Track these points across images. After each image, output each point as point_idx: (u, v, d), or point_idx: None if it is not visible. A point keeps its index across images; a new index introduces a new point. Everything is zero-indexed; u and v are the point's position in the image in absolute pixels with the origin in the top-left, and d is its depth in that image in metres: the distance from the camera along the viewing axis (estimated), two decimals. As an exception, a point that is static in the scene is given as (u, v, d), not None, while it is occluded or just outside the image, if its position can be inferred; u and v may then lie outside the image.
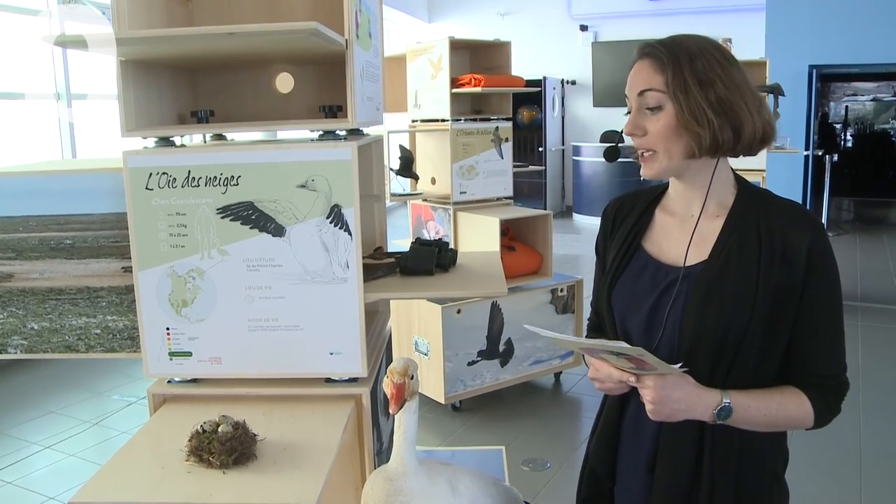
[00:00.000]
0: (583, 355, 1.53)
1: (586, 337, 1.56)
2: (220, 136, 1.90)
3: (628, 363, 1.20)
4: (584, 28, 11.33)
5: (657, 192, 1.44)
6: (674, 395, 1.19)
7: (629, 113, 1.31)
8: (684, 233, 1.34)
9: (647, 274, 1.35)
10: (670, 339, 1.28)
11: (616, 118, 10.75)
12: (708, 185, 1.31)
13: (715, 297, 1.24)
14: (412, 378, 1.30)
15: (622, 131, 1.42)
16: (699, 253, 1.30)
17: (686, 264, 1.30)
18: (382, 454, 1.79)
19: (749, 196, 1.32)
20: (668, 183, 1.41)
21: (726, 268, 1.25)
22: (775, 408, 1.25)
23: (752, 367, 1.25)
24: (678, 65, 1.23)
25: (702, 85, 1.22)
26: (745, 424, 1.25)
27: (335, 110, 1.67)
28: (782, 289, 1.23)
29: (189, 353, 1.61)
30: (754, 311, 1.22)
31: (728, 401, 1.21)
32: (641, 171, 1.32)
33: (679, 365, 1.18)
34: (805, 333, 1.25)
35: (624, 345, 1.14)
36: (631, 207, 1.45)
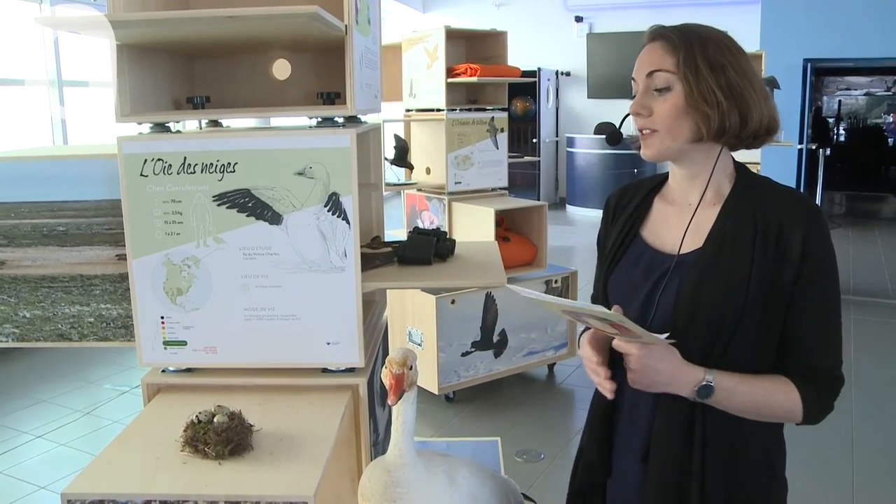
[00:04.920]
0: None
1: (583, 332, 1.54)
2: (216, 123, 1.88)
3: (613, 329, 1.19)
4: (579, 19, 11.29)
5: (657, 181, 1.43)
6: (656, 366, 1.19)
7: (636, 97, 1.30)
8: (681, 221, 1.33)
9: (644, 262, 1.34)
10: (663, 325, 1.26)
11: (610, 110, 10.72)
12: (709, 173, 1.30)
13: (707, 284, 1.23)
14: (411, 369, 1.29)
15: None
16: (695, 241, 1.29)
17: (681, 252, 1.29)
18: (378, 445, 1.77)
19: (747, 184, 1.31)
20: (668, 172, 1.40)
21: (719, 255, 1.24)
22: (762, 394, 1.23)
23: (749, 355, 1.24)
24: (690, 47, 1.24)
25: (712, 68, 1.23)
26: (730, 408, 1.23)
27: (333, 97, 1.65)
28: (777, 277, 1.22)
29: (184, 343, 1.59)
30: (748, 299, 1.21)
31: (711, 379, 1.20)
32: (641, 151, 1.30)
33: (665, 336, 1.17)
34: (798, 323, 1.24)
35: (603, 309, 1.13)
36: (632, 197, 1.44)
